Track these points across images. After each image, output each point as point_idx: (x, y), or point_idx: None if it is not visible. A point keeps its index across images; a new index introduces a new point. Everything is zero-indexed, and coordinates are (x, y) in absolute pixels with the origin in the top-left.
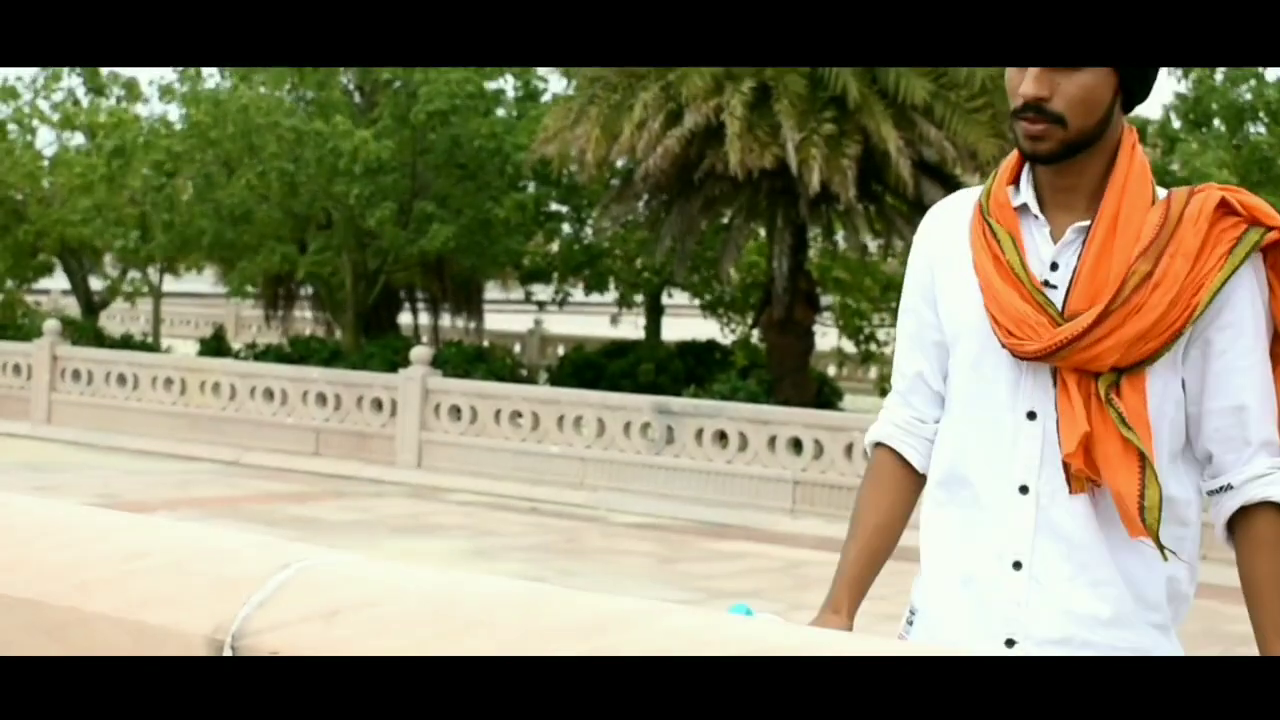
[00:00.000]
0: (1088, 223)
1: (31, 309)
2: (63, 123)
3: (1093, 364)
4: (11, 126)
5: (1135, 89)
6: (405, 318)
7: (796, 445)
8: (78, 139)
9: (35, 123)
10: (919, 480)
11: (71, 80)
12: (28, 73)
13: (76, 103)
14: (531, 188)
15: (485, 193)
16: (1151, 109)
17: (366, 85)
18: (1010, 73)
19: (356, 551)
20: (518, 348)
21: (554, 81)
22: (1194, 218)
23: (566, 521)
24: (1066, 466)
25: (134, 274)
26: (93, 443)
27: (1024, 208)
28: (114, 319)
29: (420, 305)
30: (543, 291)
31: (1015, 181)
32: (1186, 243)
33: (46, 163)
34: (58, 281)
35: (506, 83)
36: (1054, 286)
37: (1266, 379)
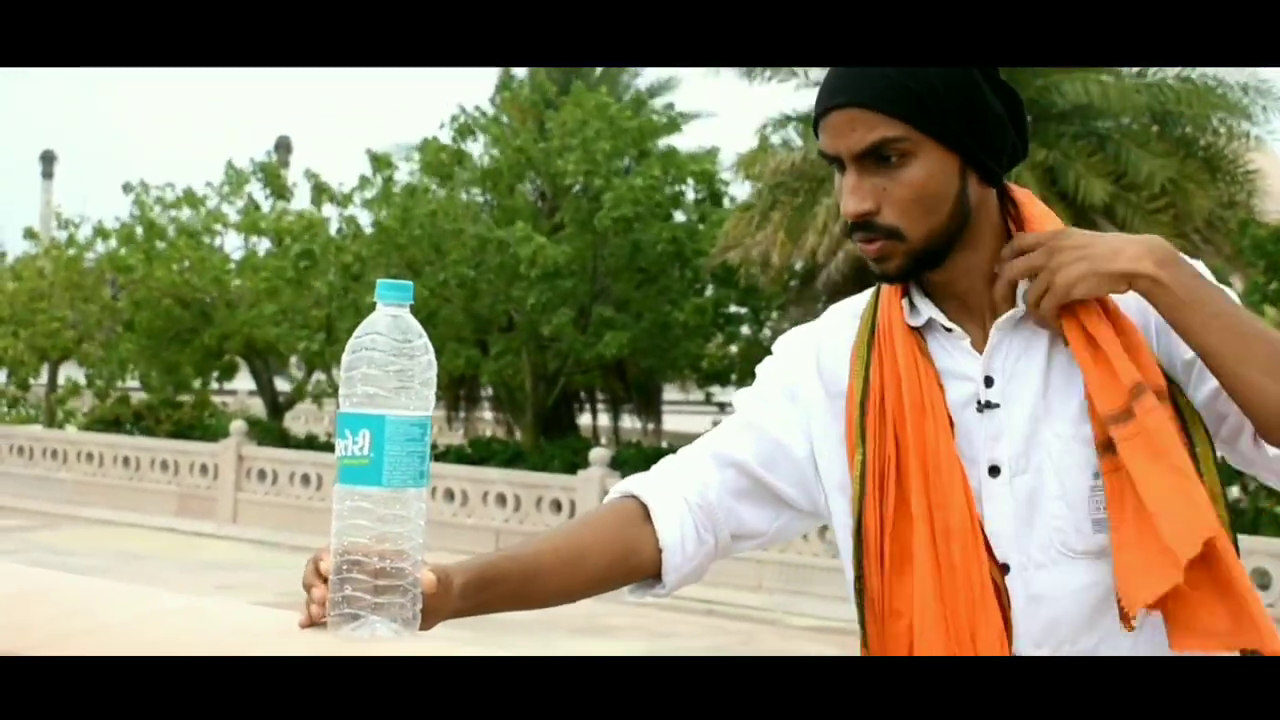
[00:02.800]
0: (1017, 310)
1: (218, 410)
2: (247, 227)
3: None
4: (200, 231)
5: (988, 160)
6: (585, 418)
7: None
8: (264, 243)
9: (220, 227)
10: (650, 558)
11: (253, 185)
12: (215, 178)
13: (257, 208)
14: (710, 290)
15: (665, 296)
16: None
17: (549, 191)
18: (836, 180)
19: (534, 654)
20: None
21: (735, 186)
22: None
23: (743, 624)
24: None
25: (318, 375)
26: (277, 541)
27: (930, 324)
28: (298, 419)
29: (600, 406)
30: (722, 393)
31: (906, 294)
32: None
33: (233, 266)
34: (243, 382)
35: (687, 185)
36: (994, 405)
37: None
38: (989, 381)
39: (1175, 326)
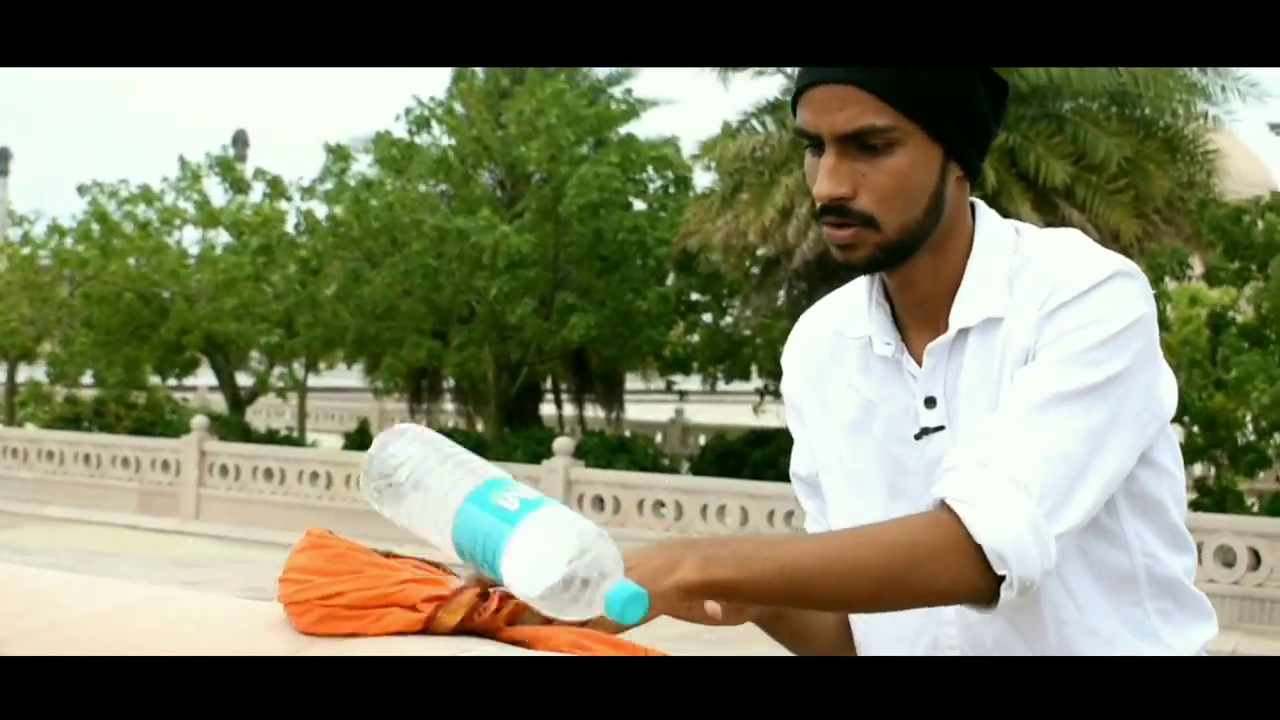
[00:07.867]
0: (946, 336)
1: (179, 405)
2: (205, 220)
3: None
4: (156, 226)
5: (972, 152)
6: (547, 409)
7: None
8: (223, 237)
9: (177, 222)
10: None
11: (210, 180)
12: (170, 172)
13: (207, 202)
14: (671, 278)
15: (627, 284)
16: None
17: (507, 180)
18: (808, 162)
19: None
20: (659, 437)
21: (699, 175)
22: None
23: None
24: None
25: (280, 369)
26: (240, 537)
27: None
28: (260, 414)
29: (563, 396)
30: (683, 381)
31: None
32: None
33: (191, 261)
34: (204, 378)
35: (648, 173)
36: (939, 428)
37: None
38: (929, 402)
39: (746, 598)
